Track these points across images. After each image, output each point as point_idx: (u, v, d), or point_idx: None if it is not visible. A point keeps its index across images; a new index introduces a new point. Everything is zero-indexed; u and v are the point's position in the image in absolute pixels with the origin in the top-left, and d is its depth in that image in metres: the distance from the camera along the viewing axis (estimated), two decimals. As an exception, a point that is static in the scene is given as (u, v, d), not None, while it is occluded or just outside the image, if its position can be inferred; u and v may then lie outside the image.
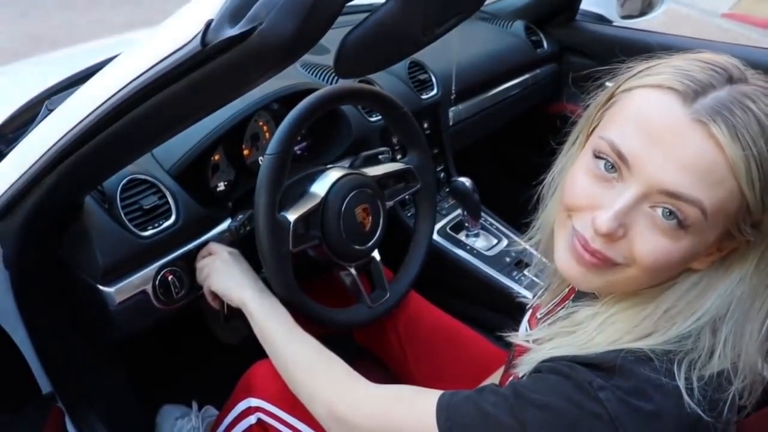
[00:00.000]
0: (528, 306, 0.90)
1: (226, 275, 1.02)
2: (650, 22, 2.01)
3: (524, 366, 0.68)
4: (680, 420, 0.58)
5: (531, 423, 0.60)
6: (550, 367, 0.63)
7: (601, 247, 0.62)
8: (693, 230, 0.58)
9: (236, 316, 1.04)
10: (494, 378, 1.03)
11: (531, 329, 0.84)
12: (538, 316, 0.84)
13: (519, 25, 1.99)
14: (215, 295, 1.05)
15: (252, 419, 1.01)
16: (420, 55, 1.60)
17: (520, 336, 0.82)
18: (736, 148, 0.55)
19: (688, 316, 0.62)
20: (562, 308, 0.76)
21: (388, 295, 1.19)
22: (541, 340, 0.69)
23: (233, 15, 0.59)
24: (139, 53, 0.68)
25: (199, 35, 0.60)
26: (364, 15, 0.68)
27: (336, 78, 1.40)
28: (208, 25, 0.60)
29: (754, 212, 0.58)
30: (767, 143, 0.56)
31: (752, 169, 0.56)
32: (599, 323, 0.65)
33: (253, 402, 1.01)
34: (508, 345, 0.85)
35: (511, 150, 2.21)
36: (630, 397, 0.58)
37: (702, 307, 0.62)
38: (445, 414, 0.66)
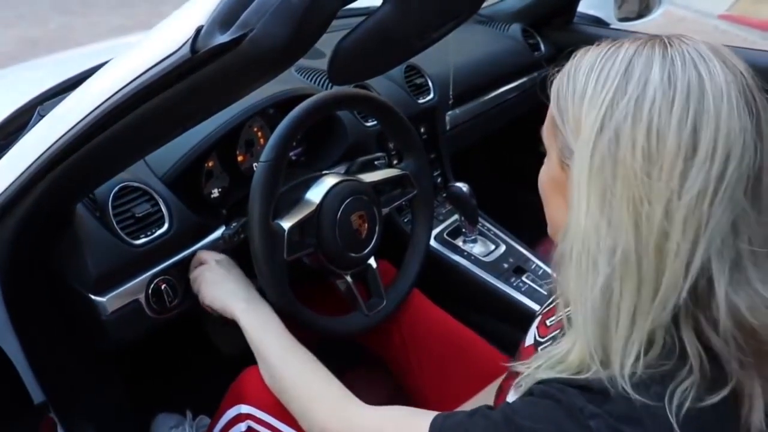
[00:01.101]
0: (537, 312, 0.89)
1: (215, 287, 1.01)
2: (647, 25, 2.00)
3: (521, 386, 0.67)
4: None
5: None
6: (542, 391, 0.62)
7: None
8: (546, 145, 0.69)
9: (232, 325, 1.02)
10: (497, 384, 1.02)
11: (540, 336, 0.82)
12: (548, 324, 0.82)
13: (516, 28, 1.98)
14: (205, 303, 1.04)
15: (242, 426, 1.00)
16: (416, 59, 1.59)
17: (527, 343, 0.81)
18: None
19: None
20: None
21: (384, 302, 1.18)
22: (538, 359, 0.68)
23: (224, 21, 0.58)
24: (130, 60, 0.67)
25: (189, 42, 0.58)
26: (359, 19, 0.67)
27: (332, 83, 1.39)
28: (198, 31, 0.59)
29: (562, 131, 0.63)
30: (567, 74, 0.65)
31: (554, 88, 0.66)
32: None
33: (244, 409, 1.00)
34: (510, 350, 0.83)
35: (509, 154, 2.20)
36: (620, 423, 0.56)
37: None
38: None
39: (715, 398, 0.57)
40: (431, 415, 0.68)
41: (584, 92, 0.60)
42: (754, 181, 0.56)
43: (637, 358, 0.58)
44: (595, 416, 0.57)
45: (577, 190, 0.59)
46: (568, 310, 0.65)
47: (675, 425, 0.55)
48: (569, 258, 0.61)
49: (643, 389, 0.57)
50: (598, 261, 0.58)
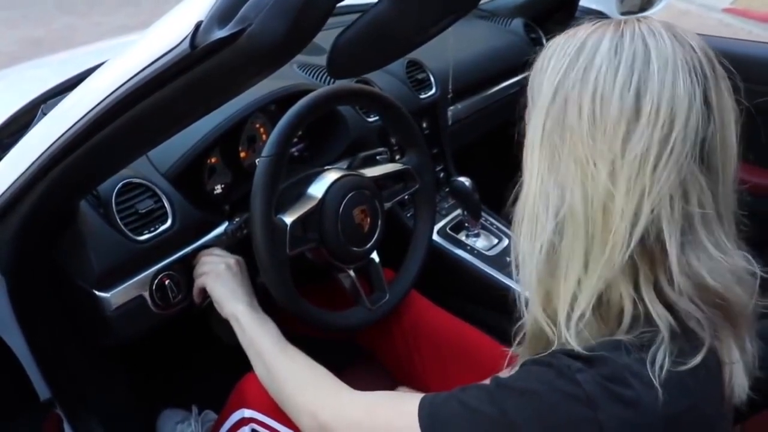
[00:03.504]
0: None
1: (224, 282, 1.01)
2: (650, 19, 2.00)
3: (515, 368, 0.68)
4: (660, 411, 0.57)
5: (511, 410, 0.61)
6: (534, 360, 0.64)
7: None
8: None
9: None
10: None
11: None
12: None
13: (518, 23, 1.97)
14: (202, 291, 1.05)
15: (246, 430, 1.01)
16: (418, 54, 1.59)
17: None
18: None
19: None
20: None
21: (387, 296, 1.18)
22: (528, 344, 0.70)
23: (222, 16, 0.58)
24: (129, 56, 0.68)
25: (188, 37, 0.59)
26: (357, 15, 0.68)
27: (332, 78, 1.39)
28: (197, 27, 0.59)
29: (529, 102, 0.68)
30: (539, 58, 0.67)
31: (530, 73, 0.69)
32: None
33: (247, 413, 1.00)
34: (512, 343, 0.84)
35: (511, 149, 2.19)
36: (608, 382, 0.58)
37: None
38: (426, 411, 0.67)
39: (691, 363, 0.59)
40: (420, 396, 0.70)
41: (545, 67, 0.65)
42: (701, 146, 0.59)
43: (582, 317, 0.62)
44: (581, 371, 0.59)
45: (530, 153, 0.65)
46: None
47: (657, 385, 0.57)
48: (521, 219, 0.66)
49: (626, 353, 0.60)
50: (547, 219, 0.62)
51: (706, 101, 0.59)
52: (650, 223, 0.58)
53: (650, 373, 0.57)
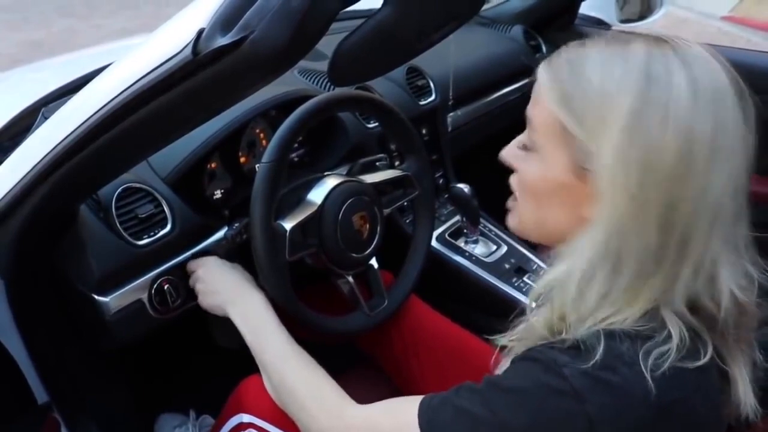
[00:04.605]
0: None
1: (210, 297, 1.03)
2: (649, 26, 2.01)
3: (506, 363, 0.70)
4: (651, 401, 0.57)
5: (501, 409, 0.62)
6: (523, 356, 0.65)
7: (511, 181, 0.74)
8: (535, 149, 0.68)
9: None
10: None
11: None
12: None
13: (518, 30, 1.98)
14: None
15: None
16: (418, 61, 1.59)
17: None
18: (544, 73, 0.66)
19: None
20: None
21: (386, 302, 1.18)
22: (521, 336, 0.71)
23: (225, 23, 0.58)
24: (131, 62, 0.68)
25: (191, 44, 0.59)
26: (360, 21, 0.68)
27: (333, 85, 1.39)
28: (199, 34, 0.59)
29: (578, 137, 0.62)
30: (569, 73, 0.63)
31: (554, 88, 0.64)
32: None
33: (245, 418, 1.00)
34: None
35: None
36: (595, 370, 0.59)
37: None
38: (425, 418, 0.68)
39: (689, 365, 0.60)
40: (419, 398, 0.70)
41: (603, 95, 0.61)
42: (749, 172, 0.61)
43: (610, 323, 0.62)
44: (568, 365, 0.60)
45: (604, 193, 0.61)
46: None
47: (648, 377, 0.57)
48: (597, 254, 0.62)
49: (618, 342, 0.60)
50: (623, 261, 0.61)
51: (750, 128, 0.61)
52: (717, 249, 0.60)
53: (642, 365, 0.58)
